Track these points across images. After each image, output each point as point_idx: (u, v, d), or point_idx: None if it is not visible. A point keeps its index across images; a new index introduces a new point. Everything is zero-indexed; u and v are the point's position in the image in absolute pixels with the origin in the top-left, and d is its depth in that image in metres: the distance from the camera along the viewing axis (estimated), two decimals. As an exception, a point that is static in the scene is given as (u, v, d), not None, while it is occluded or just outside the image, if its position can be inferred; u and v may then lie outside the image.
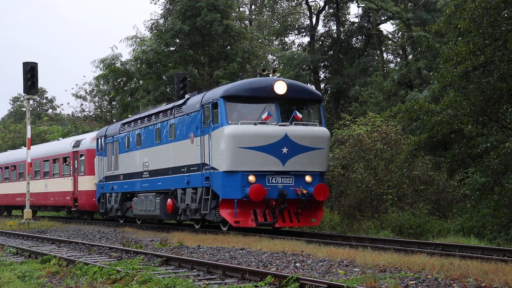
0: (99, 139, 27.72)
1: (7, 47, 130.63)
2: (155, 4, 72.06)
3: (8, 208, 40.74)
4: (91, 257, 14.55)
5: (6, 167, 40.07)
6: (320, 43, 44.70)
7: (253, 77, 23.12)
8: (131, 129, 24.66)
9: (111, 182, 26.21)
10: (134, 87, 39.71)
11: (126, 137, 25.00)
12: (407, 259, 11.46)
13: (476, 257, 12.07)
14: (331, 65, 42.73)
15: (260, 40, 41.08)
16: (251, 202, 17.76)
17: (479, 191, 19.96)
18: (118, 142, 25.75)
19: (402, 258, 11.63)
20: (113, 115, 43.26)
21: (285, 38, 51.07)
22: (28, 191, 28.74)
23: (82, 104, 46.63)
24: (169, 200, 21.26)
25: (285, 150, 18.13)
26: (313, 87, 21.59)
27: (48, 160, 33.70)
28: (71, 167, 30.76)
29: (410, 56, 37.13)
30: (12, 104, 79.62)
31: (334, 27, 44.21)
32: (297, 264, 11.70)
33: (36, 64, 27.93)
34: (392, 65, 47.35)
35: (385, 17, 42.25)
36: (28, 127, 29.07)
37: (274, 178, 18.14)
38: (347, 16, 45.06)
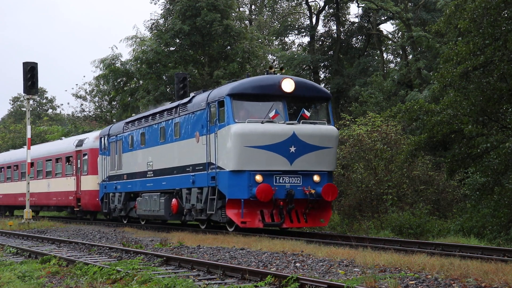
0: (102, 138, 27.43)
1: (7, 47, 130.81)
2: (155, 4, 72.26)
3: (10, 208, 40.49)
4: (91, 257, 14.55)
5: (8, 167, 39.80)
6: (320, 43, 44.71)
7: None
8: (135, 128, 24.33)
9: (115, 182, 25.94)
10: (134, 87, 39.72)
11: (130, 136, 24.68)
12: (407, 259, 11.45)
13: (476, 257, 12.06)
14: (331, 65, 42.74)
15: (260, 40, 41.09)
16: (258, 202, 17.41)
17: (479, 191, 19.94)
18: (122, 141, 25.43)
19: (402, 258, 11.63)
20: (113, 115, 43.27)
21: (285, 38, 51.15)
22: (28, 191, 28.71)
23: (82, 104, 46.75)
24: (173, 200, 20.97)
25: (293, 149, 17.81)
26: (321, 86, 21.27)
27: (50, 160, 33.47)
28: (74, 166, 30.55)
29: (410, 56, 37.15)
30: (12, 104, 79.70)
31: (334, 27, 44.24)
32: (297, 264, 11.70)
33: (36, 64, 27.91)
34: (392, 65, 47.41)
35: (385, 17, 42.28)
36: (28, 127, 29.03)
37: (281, 178, 17.80)
38: (347, 16, 45.13)
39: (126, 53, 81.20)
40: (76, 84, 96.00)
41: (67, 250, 16.44)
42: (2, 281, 11.27)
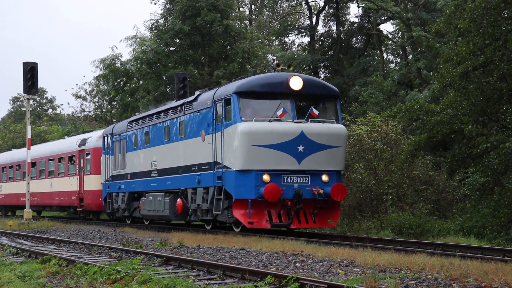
0: (106, 138, 27.07)
1: (7, 47, 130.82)
2: (155, 4, 72.22)
3: (13, 208, 40.16)
4: (91, 257, 14.55)
5: (11, 166, 39.51)
6: (320, 43, 44.73)
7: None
8: (139, 127, 23.97)
9: (118, 182, 25.60)
10: (134, 87, 39.73)
11: (134, 135, 24.33)
12: (407, 259, 11.45)
13: (476, 257, 12.06)
14: (331, 65, 42.76)
15: (260, 40, 41.10)
16: (265, 202, 17.05)
17: (479, 191, 19.94)
18: (125, 140, 25.07)
19: (402, 258, 11.63)
20: (113, 115, 43.27)
21: (285, 38, 51.16)
22: (28, 191, 28.68)
23: (82, 104, 46.72)
24: (178, 200, 20.65)
25: (301, 148, 17.45)
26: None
27: (53, 159, 33.19)
28: (77, 166, 30.31)
29: (410, 56, 37.16)
30: (12, 104, 79.70)
31: (334, 27, 44.26)
32: (297, 264, 11.69)
33: (36, 64, 27.91)
34: (392, 65, 47.43)
35: (385, 17, 42.30)
36: (28, 127, 29.02)
37: (289, 178, 17.42)
38: (347, 16, 45.15)
39: (126, 53, 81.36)
40: (76, 84, 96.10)
41: (67, 250, 16.43)
42: (2, 281, 11.27)
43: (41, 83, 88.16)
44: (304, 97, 18.14)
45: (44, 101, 78.46)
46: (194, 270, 11.69)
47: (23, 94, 31.52)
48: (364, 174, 23.87)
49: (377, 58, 44.51)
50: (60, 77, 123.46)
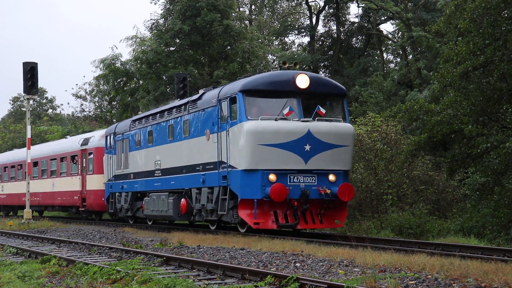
0: (108, 137, 26.85)
1: (7, 47, 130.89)
2: (155, 4, 72.21)
3: (14, 208, 39.96)
4: (91, 257, 14.55)
5: (12, 166, 39.33)
6: (320, 43, 44.75)
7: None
8: (142, 126, 23.69)
9: (121, 181, 25.37)
10: (134, 87, 39.72)
11: (137, 135, 24.06)
12: (407, 259, 11.45)
13: (476, 257, 12.06)
14: (331, 65, 42.77)
15: (260, 40, 41.09)
16: (271, 202, 16.79)
17: (479, 191, 19.93)
18: (128, 140, 24.80)
19: (402, 258, 11.63)
20: (113, 115, 43.26)
21: (285, 38, 51.16)
22: (28, 191, 28.67)
23: (82, 104, 46.71)
24: (182, 200, 20.33)
25: (307, 147, 17.15)
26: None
27: (55, 159, 32.99)
28: (79, 165, 30.11)
29: (410, 56, 37.17)
30: (12, 104, 79.73)
31: (334, 27, 44.28)
32: (297, 264, 11.69)
33: (36, 64, 27.90)
34: (392, 65, 47.44)
35: (385, 17, 42.31)
36: (28, 127, 29.01)
37: (296, 177, 17.11)
38: (347, 16, 45.18)
39: (126, 53, 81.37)
40: (76, 84, 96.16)
41: (67, 250, 16.43)
42: (2, 281, 11.27)
43: (41, 83, 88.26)
44: (310, 95, 17.78)
45: (44, 101, 78.50)
46: (194, 270, 11.69)
47: (23, 94, 31.51)
48: (364, 174, 23.87)
49: (377, 58, 44.52)
50: (60, 77, 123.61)
